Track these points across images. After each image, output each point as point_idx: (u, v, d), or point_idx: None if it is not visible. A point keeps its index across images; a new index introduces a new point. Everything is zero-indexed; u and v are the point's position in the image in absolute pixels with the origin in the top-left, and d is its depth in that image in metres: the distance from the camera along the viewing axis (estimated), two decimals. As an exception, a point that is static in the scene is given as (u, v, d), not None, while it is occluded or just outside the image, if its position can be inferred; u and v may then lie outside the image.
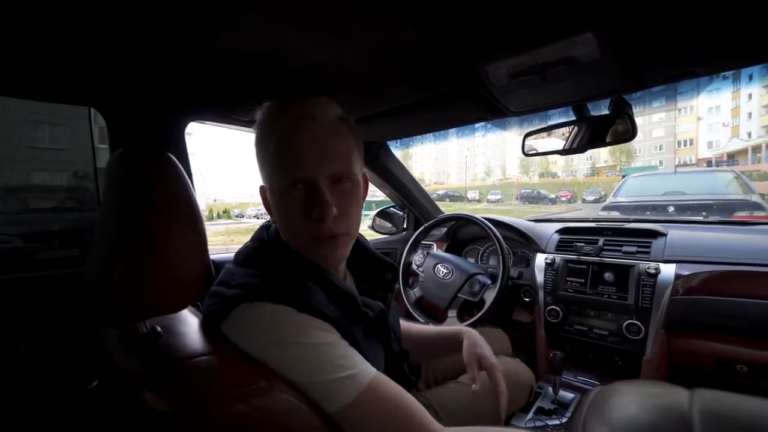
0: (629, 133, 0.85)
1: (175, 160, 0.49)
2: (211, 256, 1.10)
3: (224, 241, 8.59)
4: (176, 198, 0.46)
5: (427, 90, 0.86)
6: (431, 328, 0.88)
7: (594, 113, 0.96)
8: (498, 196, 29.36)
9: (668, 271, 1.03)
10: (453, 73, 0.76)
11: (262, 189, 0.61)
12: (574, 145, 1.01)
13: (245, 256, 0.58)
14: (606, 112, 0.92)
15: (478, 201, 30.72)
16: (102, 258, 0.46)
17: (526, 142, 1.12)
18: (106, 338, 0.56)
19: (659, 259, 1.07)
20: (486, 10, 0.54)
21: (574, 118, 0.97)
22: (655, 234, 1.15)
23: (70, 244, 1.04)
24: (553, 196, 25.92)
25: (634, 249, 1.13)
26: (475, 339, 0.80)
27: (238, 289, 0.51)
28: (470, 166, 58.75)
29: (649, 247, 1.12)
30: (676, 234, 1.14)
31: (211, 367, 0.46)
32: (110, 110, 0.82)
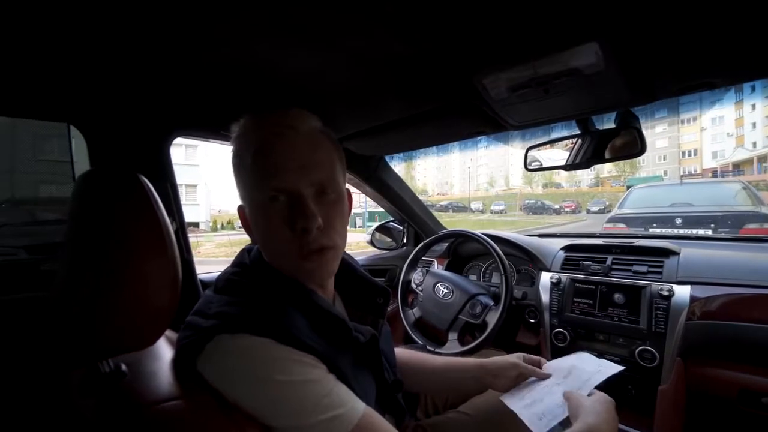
0: (637, 148, 0.81)
1: (146, 181, 0.45)
2: (200, 275, 1.06)
3: (227, 253, 8.62)
4: (143, 224, 0.42)
5: (421, 104, 0.82)
6: (445, 359, 0.83)
7: (599, 126, 0.92)
8: (501, 207, 29.28)
9: (683, 293, 0.96)
10: (448, 87, 0.73)
11: (240, 209, 0.58)
12: (578, 161, 0.97)
13: (224, 282, 0.54)
14: (612, 125, 0.88)
15: (482, 212, 30.65)
16: (61, 289, 0.41)
17: (528, 157, 1.08)
18: (70, 377, 0.51)
19: (672, 280, 1.00)
20: (481, 21, 0.51)
21: (578, 131, 0.92)
22: (668, 252, 1.08)
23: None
24: (557, 206, 25.82)
25: (645, 269, 1.07)
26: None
27: (215, 319, 0.47)
28: (473, 176, 58.78)
29: (661, 266, 1.05)
30: (689, 252, 1.08)
31: (176, 413, 0.41)
32: (90, 127, 0.79)
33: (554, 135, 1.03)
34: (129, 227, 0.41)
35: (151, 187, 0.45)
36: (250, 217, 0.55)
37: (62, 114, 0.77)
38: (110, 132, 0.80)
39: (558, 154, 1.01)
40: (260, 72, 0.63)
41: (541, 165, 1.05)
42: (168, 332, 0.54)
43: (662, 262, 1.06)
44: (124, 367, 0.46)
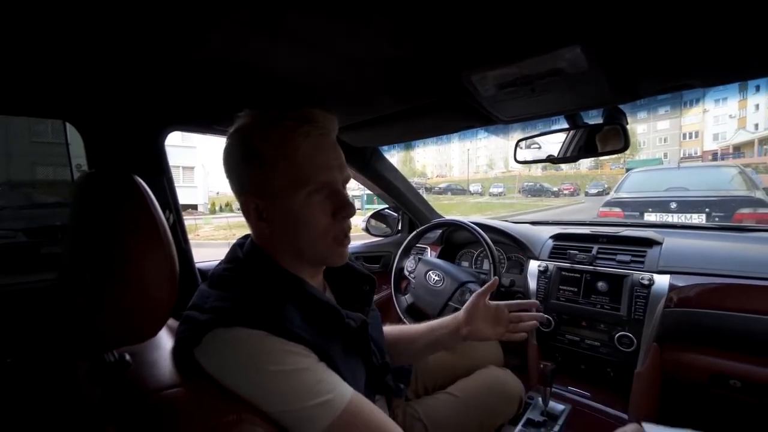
0: (621, 144, 0.83)
1: (142, 183, 0.47)
2: (198, 264, 1.09)
3: (225, 236, 8.65)
4: (140, 224, 0.45)
5: (413, 99, 0.83)
6: (425, 324, 0.86)
7: (591, 120, 0.93)
8: (500, 189, 29.09)
9: (662, 282, 1.01)
10: (438, 84, 0.74)
11: (251, 201, 0.57)
12: (568, 154, 0.99)
13: (219, 277, 0.57)
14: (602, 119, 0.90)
15: (481, 194, 30.51)
16: (66, 284, 0.44)
17: (518, 148, 1.09)
18: (79, 366, 0.55)
19: (653, 270, 1.04)
20: (467, 24, 0.52)
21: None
22: (651, 242, 1.12)
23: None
24: (555, 188, 25.70)
25: (628, 258, 1.11)
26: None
27: (210, 313, 0.50)
28: (473, 158, 58.31)
29: (643, 256, 1.09)
30: (672, 242, 1.12)
31: (177, 400, 0.44)
32: (86, 124, 0.80)
33: (552, 127, 1.04)
34: (127, 227, 0.44)
35: (147, 188, 0.47)
36: (275, 210, 0.56)
37: (58, 111, 0.78)
38: (106, 128, 0.81)
39: (547, 150, 1.02)
40: (253, 69, 0.64)
41: (530, 158, 1.07)
42: (170, 321, 0.57)
43: (645, 251, 1.10)
44: (128, 357, 0.49)
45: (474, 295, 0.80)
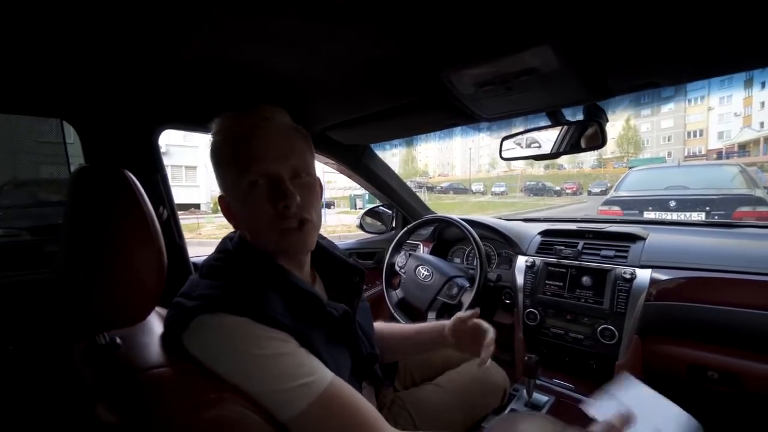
0: (599, 141, 0.85)
1: (132, 177, 0.50)
2: (193, 259, 1.12)
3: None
4: (130, 217, 0.48)
5: (397, 98, 0.86)
6: (415, 325, 0.90)
7: (574, 118, 0.95)
8: (502, 189, 28.96)
9: (644, 276, 1.03)
10: (418, 83, 0.77)
11: (222, 199, 0.63)
12: (552, 151, 1.01)
13: (208, 268, 0.59)
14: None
15: (483, 193, 30.40)
16: (61, 272, 0.47)
17: (504, 146, 1.12)
18: (74, 348, 0.58)
19: (636, 264, 1.07)
20: (442, 23, 0.55)
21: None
22: (634, 238, 1.14)
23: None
24: (558, 188, 25.57)
25: (612, 253, 1.13)
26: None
27: (197, 300, 0.52)
28: (475, 157, 58.14)
29: (626, 251, 1.11)
30: (655, 238, 1.14)
31: (163, 379, 0.47)
32: (82, 123, 0.83)
33: (535, 124, 1.06)
34: (118, 220, 0.46)
35: (137, 182, 0.50)
36: (235, 201, 0.60)
37: (55, 110, 0.81)
38: (102, 127, 0.84)
39: (532, 147, 1.05)
40: (243, 70, 0.67)
41: (516, 155, 1.09)
42: (160, 309, 0.60)
43: (628, 247, 1.12)
44: (118, 339, 0.52)
45: (455, 316, 0.82)
